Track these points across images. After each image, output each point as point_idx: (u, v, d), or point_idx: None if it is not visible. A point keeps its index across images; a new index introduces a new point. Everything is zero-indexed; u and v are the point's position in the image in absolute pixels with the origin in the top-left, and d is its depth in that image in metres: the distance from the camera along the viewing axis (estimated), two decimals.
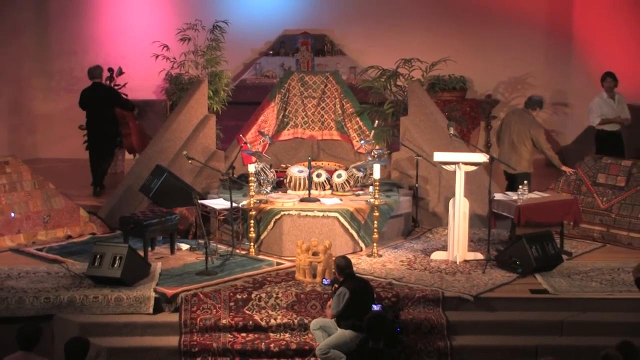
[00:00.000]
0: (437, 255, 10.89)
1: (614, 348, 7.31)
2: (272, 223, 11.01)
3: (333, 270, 9.49)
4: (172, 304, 9.65)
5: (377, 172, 10.84)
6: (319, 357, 8.98)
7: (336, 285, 9.15)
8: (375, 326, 7.74)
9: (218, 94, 13.71)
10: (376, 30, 15.55)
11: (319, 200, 11.21)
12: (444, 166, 11.08)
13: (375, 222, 10.93)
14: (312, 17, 15.62)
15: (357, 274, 9.42)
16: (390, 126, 12.68)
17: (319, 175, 11.59)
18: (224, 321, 9.47)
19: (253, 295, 9.71)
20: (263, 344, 9.30)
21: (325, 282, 9.44)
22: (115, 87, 14.82)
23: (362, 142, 11.98)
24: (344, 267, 9.11)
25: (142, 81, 15.09)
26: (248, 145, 11.79)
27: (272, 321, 9.48)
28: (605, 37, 14.94)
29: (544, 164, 15.35)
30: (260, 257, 10.90)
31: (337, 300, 8.92)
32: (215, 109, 13.42)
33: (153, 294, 9.67)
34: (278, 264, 10.69)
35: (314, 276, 10.01)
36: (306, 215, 10.97)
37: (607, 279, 10.27)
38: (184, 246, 11.26)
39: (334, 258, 9.63)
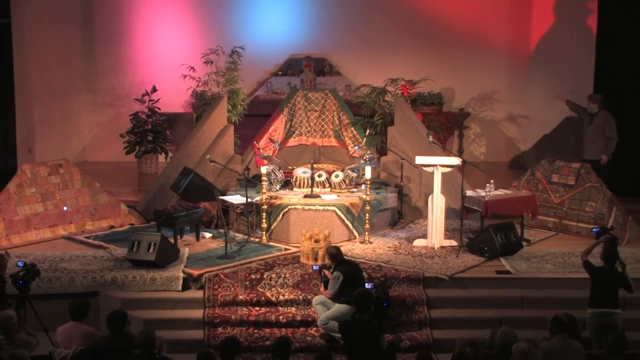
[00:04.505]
0: (418, 242, 10.88)
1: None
2: (280, 215, 11.00)
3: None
4: (198, 282, 9.65)
5: (368, 172, 10.84)
6: (320, 327, 8.99)
7: (325, 271, 9.15)
8: (361, 301, 7.71)
9: (236, 107, 13.73)
10: (367, 55, 15.53)
11: (319, 197, 11.20)
12: (424, 168, 11.07)
13: (367, 214, 10.92)
14: (314, 44, 15.60)
15: (346, 258, 9.41)
16: (380, 134, 12.67)
17: (320, 176, 11.57)
18: (240, 297, 9.47)
19: (265, 276, 9.71)
20: (273, 316, 9.30)
21: (315, 268, 9.32)
22: (150, 102, 14.83)
23: (356, 147, 11.96)
24: (336, 254, 9.13)
25: (172, 97, 15.08)
26: (261, 150, 11.78)
27: (281, 297, 9.48)
28: (559, 60, 14.93)
29: (507, 165, 15.39)
30: (271, 243, 10.88)
31: (333, 283, 8.92)
32: (233, 120, 13.42)
33: (182, 275, 9.68)
34: (286, 249, 10.68)
35: (316, 260, 10.00)
36: (309, 209, 10.96)
37: (559, 261, 10.27)
38: (208, 235, 11.25)
39: (331, 245, 9.65)
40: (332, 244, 9.84)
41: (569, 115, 14.43)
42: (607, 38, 13.54)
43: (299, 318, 9.28)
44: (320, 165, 12.14)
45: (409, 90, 13.43)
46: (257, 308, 9.40)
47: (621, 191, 12.08)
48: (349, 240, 11.00)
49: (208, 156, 11.71)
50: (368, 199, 10.88)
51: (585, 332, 8.29)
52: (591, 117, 12.16)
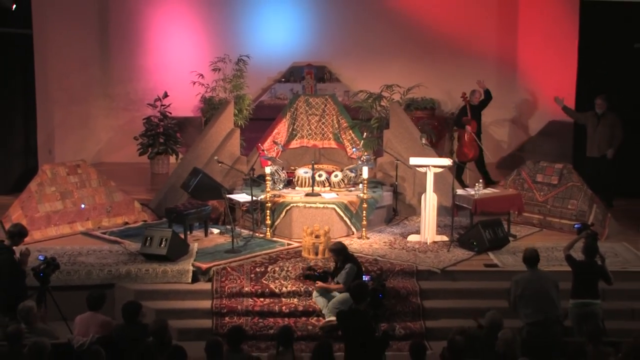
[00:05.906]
0: (412, 238, 10.90)
1: None
2: (283, 212, 11.02)
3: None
4: (206, 275, 9.67)
5: (365, 173, 10.85)
6: (329, 313, 8.95)
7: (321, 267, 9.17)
8: (357, 292, 7.72)
9: (242, 112, 13.74)
10: (365, 63, 15.54)
11: (320, 195, 11.21)
12: (417, 168, 11.09)
13: (364, 212, 10.93)
14: (315, 53, 15.61)
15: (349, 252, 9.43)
16: (376, 137, 12.67)
17: (320, 175, 11.59)
18: (246, 289, 9.48)
19: (269, 269, 9.73)
20: (277, 306, 9.32)
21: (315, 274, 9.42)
22: (162, 107, 14.85)
23: (354, 149, 11.98)
24: (343, 249, 9.13)
25: (182, 102, 15.10)
26: (265, 152, 11.79)
27: (284, 289, 9.50)
28: (543, 67, 14.94)
29: (495, 166, 15.39)
30: (275, 239, 10.89)
31: (348, 275, 8.89)
32: (239, 124, 13.44)
33: (191, 268, 9.70)
34: (288, 244, 10.69)
35: (316, 254, 10.03)
36: (310, 206, 10.97)
37: (543, 256, 10.19)
38: (215, 230, 11.26)
39: (331, 240, 9.65)
40: (334, 240, 9.80)
41: (551, 120, 14.45)
42: (589, 46, 13.54)
43: (300, 308, 9.30)
44: (320, 166, 12.16)
45: (466, 99, 13.46)
46: (262, 299, 9.42)
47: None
48: (347, 235, 11.00)
49: (216, 157, 11.73)
50: (365, 197, 10.90)
51: (567, 321, 8.31)
52: (598, 118, 12.22)
